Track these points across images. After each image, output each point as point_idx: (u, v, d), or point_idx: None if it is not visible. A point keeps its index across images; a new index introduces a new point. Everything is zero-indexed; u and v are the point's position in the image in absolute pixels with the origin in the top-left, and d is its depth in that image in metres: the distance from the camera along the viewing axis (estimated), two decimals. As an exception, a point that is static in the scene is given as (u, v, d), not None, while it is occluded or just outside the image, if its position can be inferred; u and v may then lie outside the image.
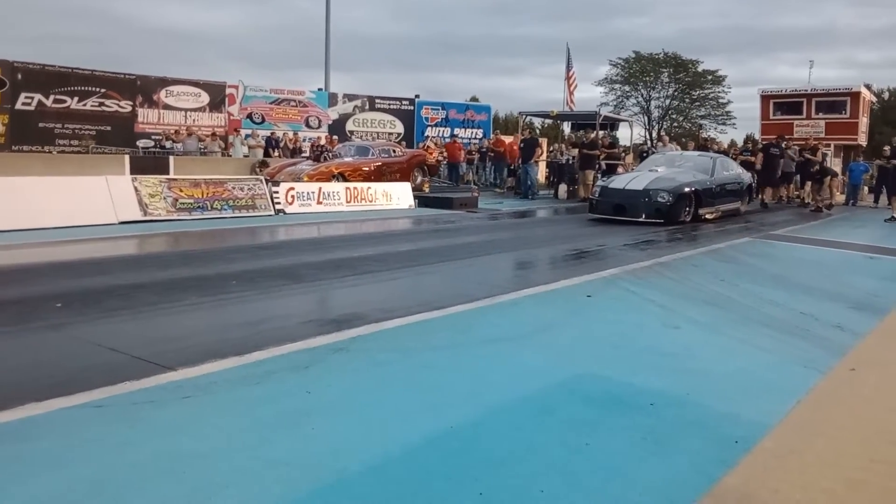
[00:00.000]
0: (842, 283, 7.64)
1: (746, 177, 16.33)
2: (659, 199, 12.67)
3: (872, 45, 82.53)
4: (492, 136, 26.19)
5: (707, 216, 13.53)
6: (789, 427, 1.13)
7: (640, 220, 12.55)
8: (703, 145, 21.54)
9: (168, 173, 16.70)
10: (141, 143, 22.01)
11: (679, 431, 3.21)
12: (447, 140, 26.43)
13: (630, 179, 13.69)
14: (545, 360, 4.27)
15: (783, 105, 24.14)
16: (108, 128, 21.68)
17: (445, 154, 23.95)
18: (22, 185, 10.08)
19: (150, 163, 18.38)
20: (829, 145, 20.90)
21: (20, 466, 2.64)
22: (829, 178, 17.11)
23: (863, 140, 23.76)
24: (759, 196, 18.54)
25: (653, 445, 3.06)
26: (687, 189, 13.08)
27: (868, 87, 27.97)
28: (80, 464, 2.69)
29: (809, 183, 18.42)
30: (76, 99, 21.11)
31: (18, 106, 20.04)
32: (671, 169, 14.21)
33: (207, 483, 2.57)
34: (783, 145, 18.73)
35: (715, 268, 7.97)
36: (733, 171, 15.67)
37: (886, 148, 19.36)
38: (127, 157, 18.24)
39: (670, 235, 11.29)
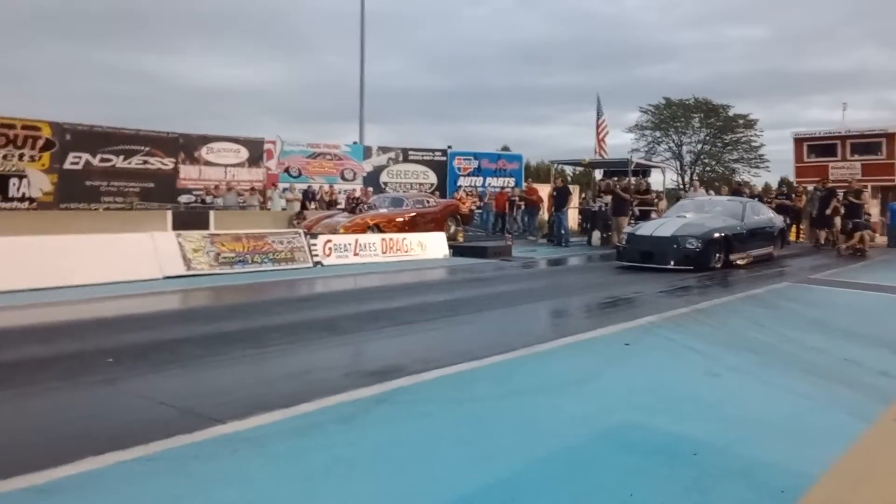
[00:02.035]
0: (885, 328, 7.51)
1: (778, 220, 16.17)
2: (688, 246, 12.56)
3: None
4: (524, 184, 26.42)
5: (738, 262, 13.37)
6: (835, 477, 1.18)
7: (669, 266, 12.46)
8: (737, 189, 21.45)
9: (208, 227, 17.13)
10: (182, 198, 22.66)
11: (723, 481, 3.21)
12: (483, 189, 26.87)
13: (658, 226, 13.62)
14: (587, 410, 4.29)
15: (817, 147, 23.99)
16: (152, 184, 22.37)
17: (493, 203, 24.34)
18: (71, 243, 10.42)
19: (191, 218, 18.88)
20: (866, 186, 20.66)
21: (82, 518, 2.75)
22: (862, 232, 16.89)
23: (901, 181, 23.44)
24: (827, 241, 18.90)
25: (697, 496, 3.06)
26: (717, 234, 12.96)
27: (903, 126, 27.64)
28: (138, 516, 2.79)
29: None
30: (121, 157, 21.88)
31: (67, 165, 20.81)
32: (700, 214, 14.14)
33: (261, 534, 2.65)
34: (829, 187, 18.68)
35: (754, 314, 7.91)
36: (764, 215, 15.53)
37: None
38: (169, 213, 18.80)
39: (707, 281, 11.22)
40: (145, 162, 22.37)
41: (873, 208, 21.39)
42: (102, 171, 21.52)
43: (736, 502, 2.98)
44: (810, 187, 21.17)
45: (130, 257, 10.62)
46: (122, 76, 78.93)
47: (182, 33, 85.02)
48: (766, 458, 3.49)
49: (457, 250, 16.23)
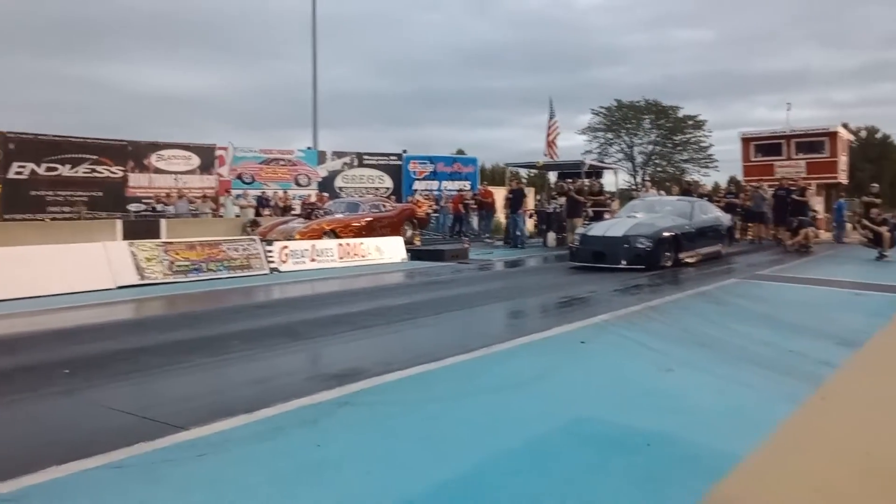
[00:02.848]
0: (829, 320, 7.80)
1: (726, 219, 16.58)
2: (638, 245, 12.80)
3: (846, 85, 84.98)
4: (479, 187, 26.63)
5: (688, 260, 13.67)
6: (768, 448, 1.30)
7: (621, 266, 12.67)
8: (687, 189, 21.96)
9: (160, 236, 16.89)
10: (132, 207, 22.26)
11: (675, 469, 3.35)
12: (439, 193, 26.99)
13: (609, 226, 13.87)
14: (545, 406, 4.41)
15: (764, 147, 24.66)
16: (100, 193, 21.95)
17: (450, 206, 24.46)
18: (21, 254, 10.23)
19: (141, 226, 18.57)
20: (811, 184, 21.35)
21: (48, 527, 2.76)
22: (806, 228, 17.48)
23: (843, 178, 24.24)
24: (778, 239, 19.27)
25: (651, 483, 3.20)
26: (666, 234, 13.23)
27: (845, 125, 28.65)
28: (105, 523, 2.81)
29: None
30: (68, 166, 21.42)
31: (11, 175, 20.33)
32: (650, 214, 14.42)
33: (230, 536, 2.69)
34: (788, 186, 19.21)
35: (704, 310, 8.16)
36: (712, 214, 15.93)
37: (875, 185, 19.92)
38: (119, 222, 18.47)
39: (658, 280, 11.49)
40: (93, 170, 21.95)
41: (818, 205, 22.11)
42: (48, 180, 21.06)
43: (686, 488, 3.12)
44: (755, 185, 21.78)
45: (82, 267, 10.46)
46: (66, 84, 76.98)
47: (130, 40, 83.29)
48: (714, 445, 3.64)
49: (414, 254, 16.31)
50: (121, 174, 22.44)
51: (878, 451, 1.25)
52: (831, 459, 1.12)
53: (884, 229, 15.34)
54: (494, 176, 45.34)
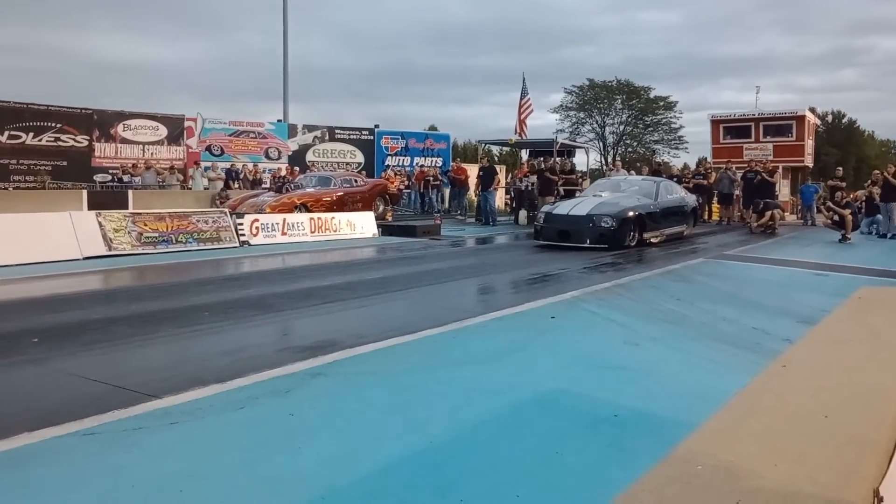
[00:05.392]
0: (791, 299, 8.00)
1: (691, 200, 16.65)
2: (603, 224, 12.80)
3: (811, 70, 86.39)
4: (452, 164, 26.61)
5: (652, 240, 13.72)
6: (730, 410, 1.37)
7: (585, 245, 12.70)
8: (657, 170, 22.17)
9: (127, 207, 16.66)
10: (98, 177, 21.90)
11: (641, 439, 3.45)
12: (412, 169, 26.88)
13: (574, 205, 13.84)
14: (515, 379, 4.49)
15: (732, 129, 24.95)
16: (65, 163, 21.56)
17: (420, 183, 24.39)
18: (-16, 222, 10.04)
19: (108, 197, 18.31)
20: (777, 167, 21.69)
21: (22, 492, 2.77)
22: (772, 210, 17.81)
23: (809, 161, 24.65)
24: (745, 220, 19.53)
25: (618, 452, 3.30)
26: (631, 213, 13.22)
27: (812, 110, 29.10)
28: (80, 488, 2.82)
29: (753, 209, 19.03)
30: (31, 134, 20.99)
31: (-28, 143, 19.86)
32: (615, 194, 14.46)
33: (206, 500, 2.73)
34: (757, 168, 19.45)
35: (671, 288, 8.30)
36: (677, 194, 15.97)
37: (839, 169, 20.30)
38: (84, 192, 18.17)
39: (627, 258, 11.64)
40: (57, 139, 21.53)
41: (783, 188, 22.50)
42: (11, 148, 20.63)
43: (649, 456, 3.21)
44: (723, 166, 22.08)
45: (48, 238, 10.31)
46: (29, 52, 74.92)
47: (95, 9, 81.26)
48: (677, 417, 3.74)
49: (386, 229, 16.33)
50: (86, 143, 22.04)
51: (835, 414, 1.33)
52: (789, 422, 1.19)
53: (847, 212, 15.69)
54: (466, 153, 45.34)
